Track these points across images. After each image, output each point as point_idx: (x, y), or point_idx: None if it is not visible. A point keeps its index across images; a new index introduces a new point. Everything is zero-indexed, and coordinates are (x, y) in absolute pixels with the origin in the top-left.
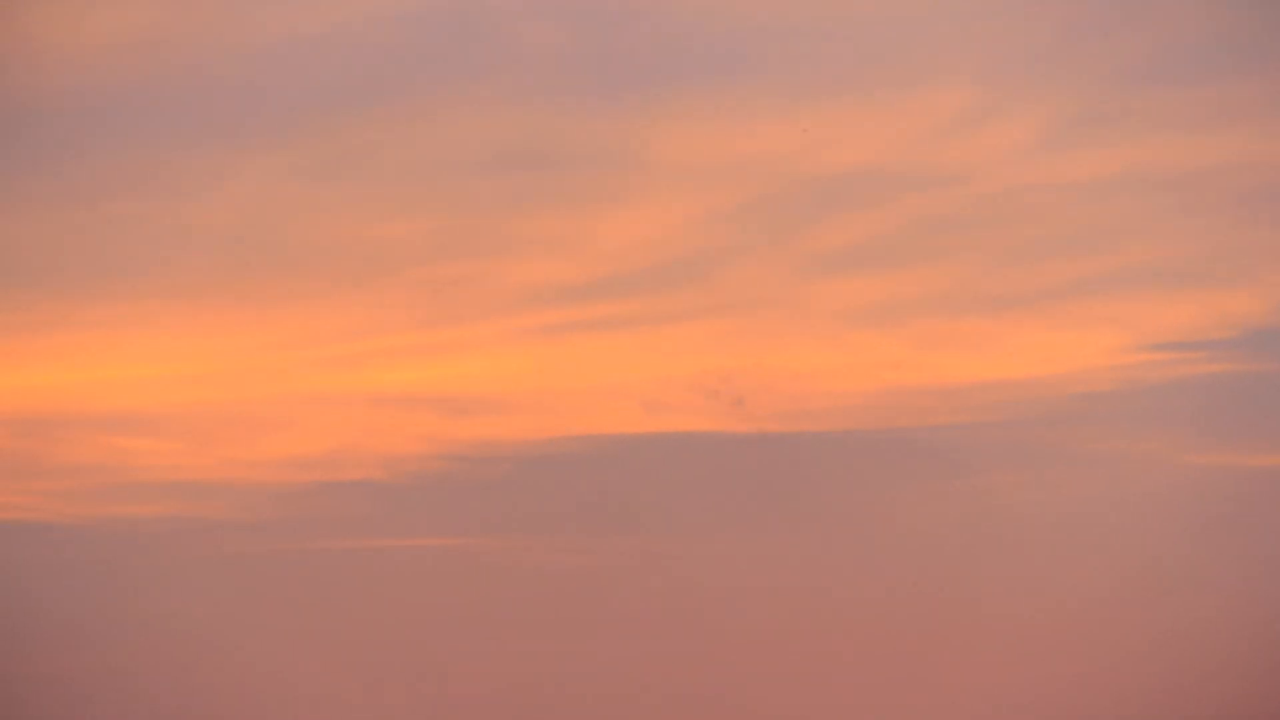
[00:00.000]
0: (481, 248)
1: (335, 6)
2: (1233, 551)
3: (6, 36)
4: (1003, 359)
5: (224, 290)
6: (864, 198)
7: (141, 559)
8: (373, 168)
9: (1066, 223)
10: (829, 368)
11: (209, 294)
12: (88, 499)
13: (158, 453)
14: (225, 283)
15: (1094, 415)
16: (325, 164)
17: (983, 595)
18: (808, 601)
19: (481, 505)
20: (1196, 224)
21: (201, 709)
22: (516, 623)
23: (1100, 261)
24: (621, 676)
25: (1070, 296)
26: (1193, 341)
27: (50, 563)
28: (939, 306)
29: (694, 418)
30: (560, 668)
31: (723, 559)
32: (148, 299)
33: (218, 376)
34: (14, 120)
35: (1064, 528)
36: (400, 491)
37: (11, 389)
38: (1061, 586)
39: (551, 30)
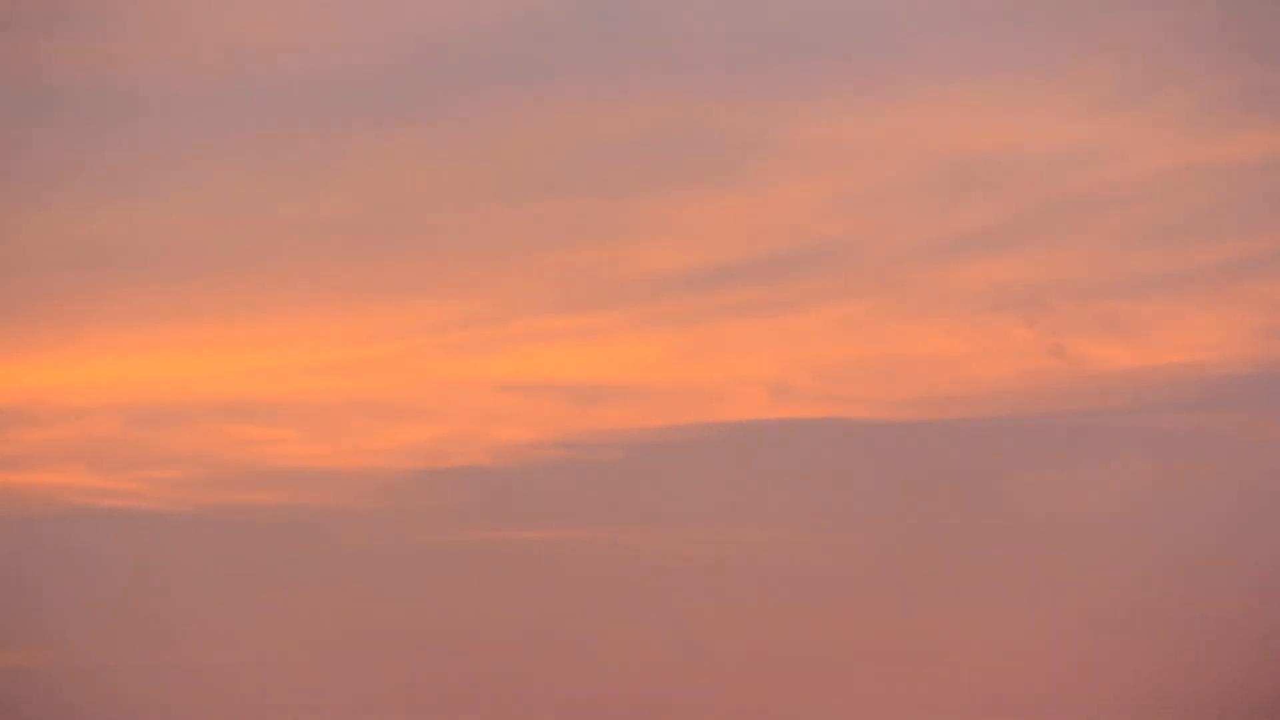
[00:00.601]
0: (614, 232)
1: None
2: None
3: (149, 31)
4: (1146, 342)
5: (349, 277)
6: (1005, 178)
7: (254, 547)
8: (504, 152)
9: (1212, 203)
10: (966, 352)
11: (333, 280)
12: (202, 487)
13: (274, 440)
14: (350, 269)
15: (1238, 400)
16: (456, 148)
17: (1126, 581)
18: (939, 588)
19: (604, 493)
20: None
21: (309, 694)
22: (630, 616)
23: (1245, 242)
24: (737, 668)
25: (1214, 278)
26: None
27: (163, 551)
28: (1082, 289)
29: (821, 405)
30: (673, 660)
31: (851, 547)
32: (269, 286)
33: (340, 364)
34: (139, 112)
35: (1209, 517)
36: (523, 479)
37: (130, 378)
38: (1209, 575)
39: (687, 13)
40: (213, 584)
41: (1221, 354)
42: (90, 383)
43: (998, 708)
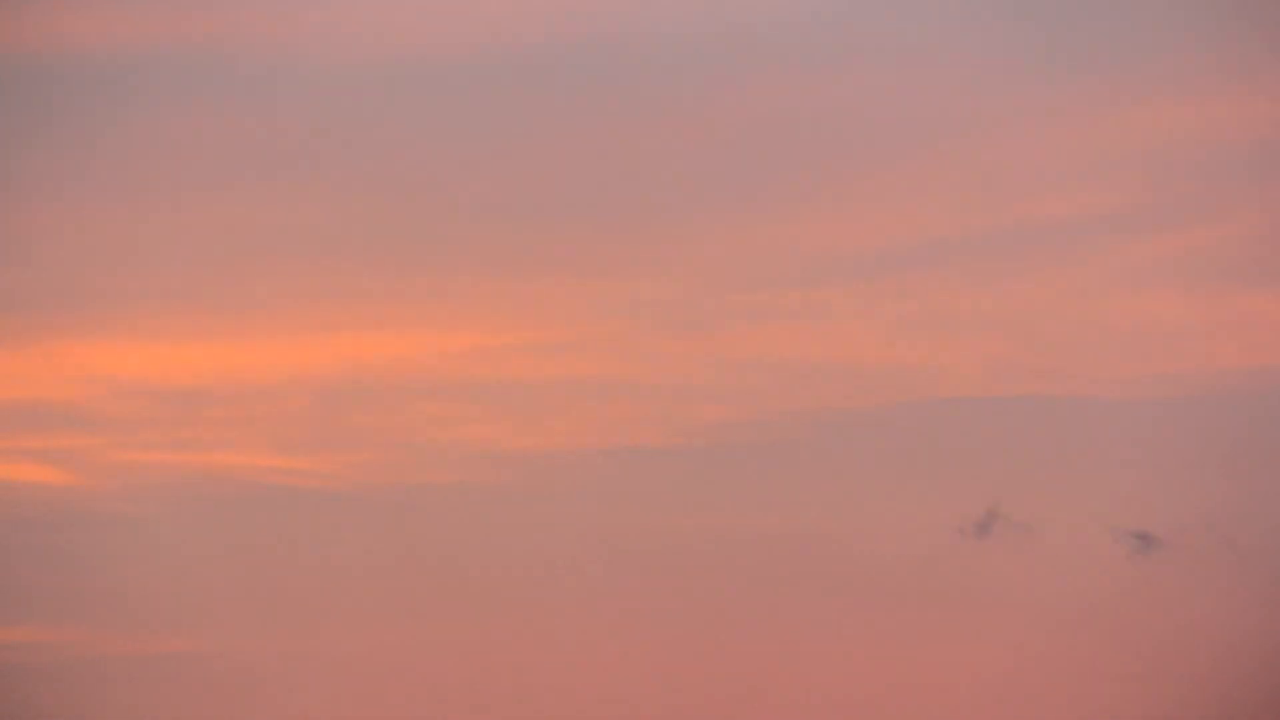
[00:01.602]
0: (831, 206)
1: None
2: None
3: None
4: None
5: (550, 254)
6: (1221, 148)
7: (440, 528)
8: (720, 127)
9: None
10: (1192, 324)
11: (533, 258)
12: (387, 468)
13: (462, 420)
14: (553, 246)
15: None
16: (671, 125)
17: None
18: (1180, 565)
19: (800, 473)
20: None
21: (486, 675)
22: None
23: None
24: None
25: None
26: None
27: (344, 531)
28: None
29: (1040, 381)
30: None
31: (1075, 529)
32: (467, 265)
33: (538, 342)
34: (317, 94)
35: None
36: (718, 459)
37: (319, 357)
38: None
39: None
40: (394, 566)
41: None
42: (277, 361)
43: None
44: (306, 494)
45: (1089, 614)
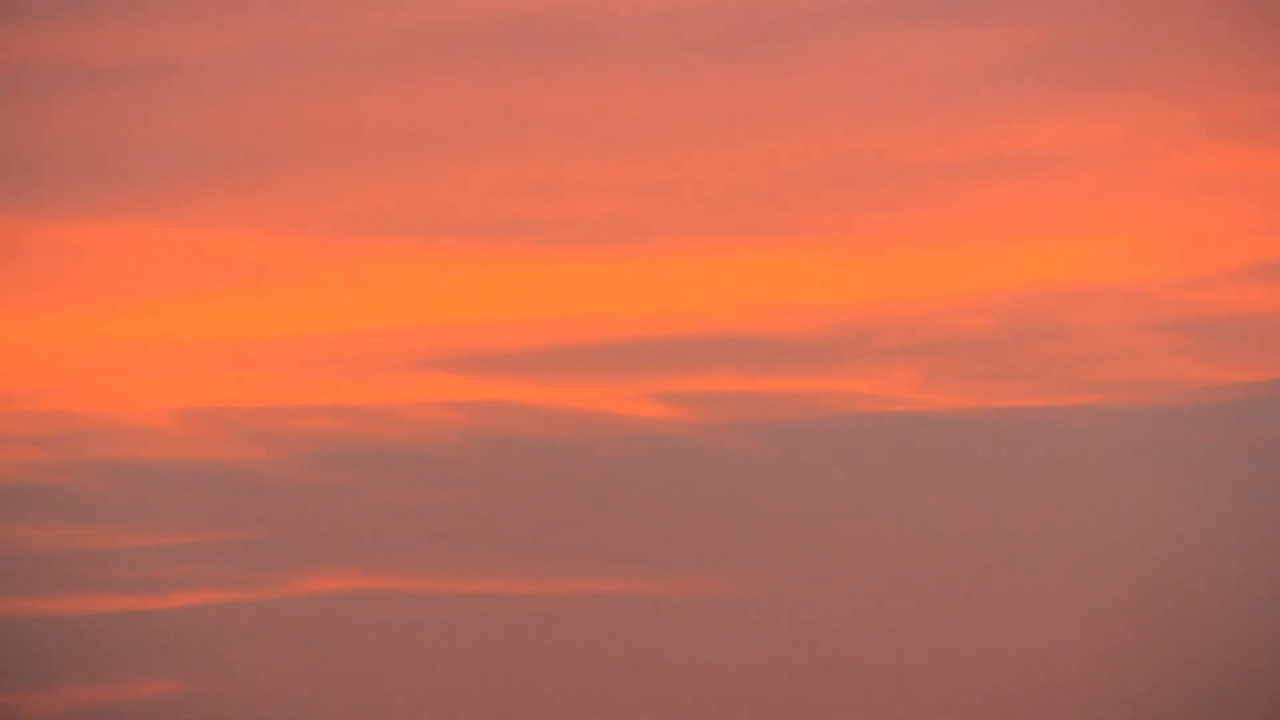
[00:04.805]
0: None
1: None
2: None
3: None
4: None
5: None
6: None
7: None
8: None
9: None
10: None
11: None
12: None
13: (1162, 351)
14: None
15: None
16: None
17: None
18: None
19: None
20: None
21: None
22: None
23: None
24: None
25: None
26: None
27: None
28: None
29: None
30: None
31: None
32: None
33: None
34: None
35: None
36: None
37: (1009, 275)
38: None
39: None
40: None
41: None
42: (954, 285)
43: None
44: (981, 428)
45: None
